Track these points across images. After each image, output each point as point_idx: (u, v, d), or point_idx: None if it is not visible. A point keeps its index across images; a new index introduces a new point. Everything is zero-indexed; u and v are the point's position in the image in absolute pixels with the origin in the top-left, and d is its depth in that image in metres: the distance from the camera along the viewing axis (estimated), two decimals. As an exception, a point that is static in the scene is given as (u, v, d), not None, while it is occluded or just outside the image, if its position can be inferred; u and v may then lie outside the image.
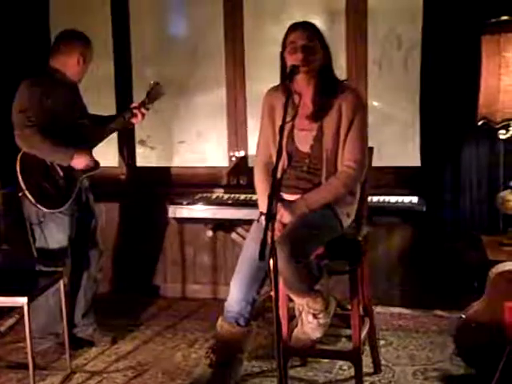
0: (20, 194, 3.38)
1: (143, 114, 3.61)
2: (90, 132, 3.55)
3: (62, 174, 3.44)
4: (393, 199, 3.66)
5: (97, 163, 3.56)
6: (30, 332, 3.02)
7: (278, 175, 2.89)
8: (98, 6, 4.40)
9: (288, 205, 2.85)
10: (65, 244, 3.49)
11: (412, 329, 3.71)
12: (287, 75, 2.83)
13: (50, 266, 3.45)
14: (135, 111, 3.59)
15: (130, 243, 4.44)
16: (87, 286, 3.66)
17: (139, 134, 4.44)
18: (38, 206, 3.37)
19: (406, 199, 3.66)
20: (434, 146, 3.79)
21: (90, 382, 3.29)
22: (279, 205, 2.80)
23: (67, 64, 3.48)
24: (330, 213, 2.88)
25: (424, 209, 3.61)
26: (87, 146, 3.50)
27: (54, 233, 3.46)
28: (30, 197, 3.36)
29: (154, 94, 3.62)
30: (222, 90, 4.27)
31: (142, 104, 3.60)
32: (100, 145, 3.62)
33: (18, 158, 3.37)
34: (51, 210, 3.40)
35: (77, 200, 3.53)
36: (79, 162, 3.44)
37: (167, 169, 4.42)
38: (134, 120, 3.63)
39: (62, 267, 3.44)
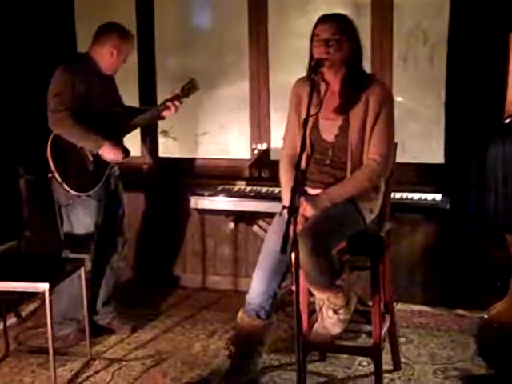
0: (49, 175, 3.43)
1: (176, 108, 3.61)
2: (122, 121, 3.58)
3: (91, 158, 3.48)
4: (416, 196, 3.63)
5: (127, 151, 3.57)
6: (51, 318, 3.05)
7: (303, 167, 2.90)
8: (123, -3, 4.41)
9: (311, 198, 2.83)
10: (91, 229, 3.52)
11: (433, 327, 3.68)
12: (312, 68, 2.81)
13: (75, 251, 3.48)
14: (168, 103, 3.60)
15: (151, 233, 4.45)
16: (110, 274, 3.69)
17: (162, 125, 4.44)
18: (65, 187, 3.41)
19: (430, 196, 3.62)
20: (458, 142, 3.75)
21: (109, 369, 3.32)
22: (302, 198, 2.79)
23: (101, 54, 3.51)
24: (352, 208, 2.86)
25: (447, 206, 3.57)
26: (117, 138, 3.52)
27: (80, 216, 3.50)
28: (58, 178, 3.40)
29: (188, 89, 3.62)
30: (245, 82, 4.26)
31: (176, 97, 3.61)
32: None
33: (50, 140, 3.43)
34: (78, 193, 3.44)
35: (106, 186, 3.56)
36: (107, 154, 3.47)
37: (189, 160, 4.42)
38: (166, 113, 3.63)
39: (86, 253, 3.48)
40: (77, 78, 3.43)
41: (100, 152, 3.46)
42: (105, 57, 3.51)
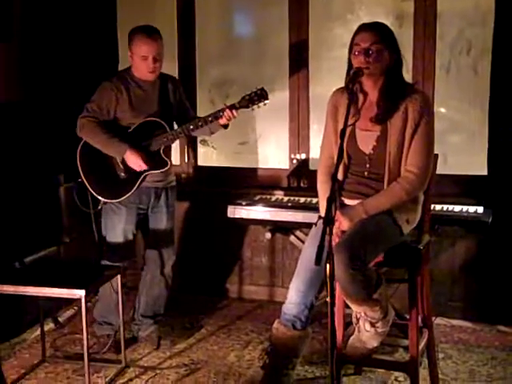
0: (79, 180, 3.50)
1: (230, 117, 3.38)
2: (161, 131, 3.46)
3: (122, 166, 3.46)
4: (457, 208, 3.55)
5: (164, 162, 3.49)
6: (87, 324, 3.07)
7: (340, 178, 2.87)
8: (164, 7, 4.42)
9: (346, 211, 2.79)
10: (121, 238, 3.53)
11: (473, 343, 3.60)
12: (350, 78, 2.78)
13: (111, 261, 3.51)
14: (223, 112, 3.39)
15: (188, 242, 4.45)
16: (151, 285, 3.68)
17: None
18: (94, 193, 3.47)
19: (471, 209, 3.53)
20: (502, 154, 3.66)
21: (142, 376, 3.33)
22: (338, 212, 2.75)
23: (132, 61, 3.48)
24: (389, 219, 2.80)
25: (489, 219, 3.48)
26: (145, 147, 3.45)
27: (112, 223, 3.54)
28: (86, 184, 3.47)
29: (248, 100, 3.36)
30: (285, 92, 4.24)
31: (231, 106, 3.38)
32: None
33: (80, 145, 3.49)
34: (106, 200, 3.48)
35: (140, 195, 3.54)
36: (129, 162, 3.41)
37: (228, 169, 4.42)
38: (220, 121, 3.42)
39: (121, 261, 3.49)
40: (112, 89, 3.43)
41: (125, 158, 3.41)
42: (135, 62, 3.45)
